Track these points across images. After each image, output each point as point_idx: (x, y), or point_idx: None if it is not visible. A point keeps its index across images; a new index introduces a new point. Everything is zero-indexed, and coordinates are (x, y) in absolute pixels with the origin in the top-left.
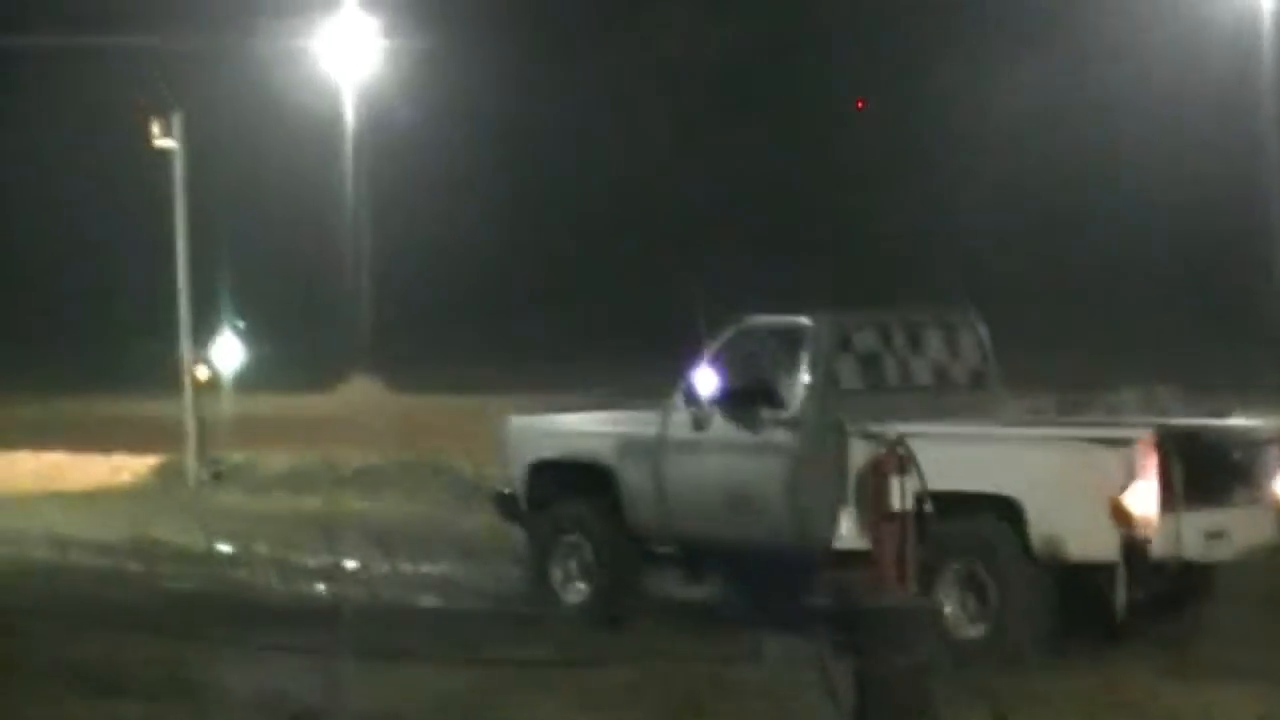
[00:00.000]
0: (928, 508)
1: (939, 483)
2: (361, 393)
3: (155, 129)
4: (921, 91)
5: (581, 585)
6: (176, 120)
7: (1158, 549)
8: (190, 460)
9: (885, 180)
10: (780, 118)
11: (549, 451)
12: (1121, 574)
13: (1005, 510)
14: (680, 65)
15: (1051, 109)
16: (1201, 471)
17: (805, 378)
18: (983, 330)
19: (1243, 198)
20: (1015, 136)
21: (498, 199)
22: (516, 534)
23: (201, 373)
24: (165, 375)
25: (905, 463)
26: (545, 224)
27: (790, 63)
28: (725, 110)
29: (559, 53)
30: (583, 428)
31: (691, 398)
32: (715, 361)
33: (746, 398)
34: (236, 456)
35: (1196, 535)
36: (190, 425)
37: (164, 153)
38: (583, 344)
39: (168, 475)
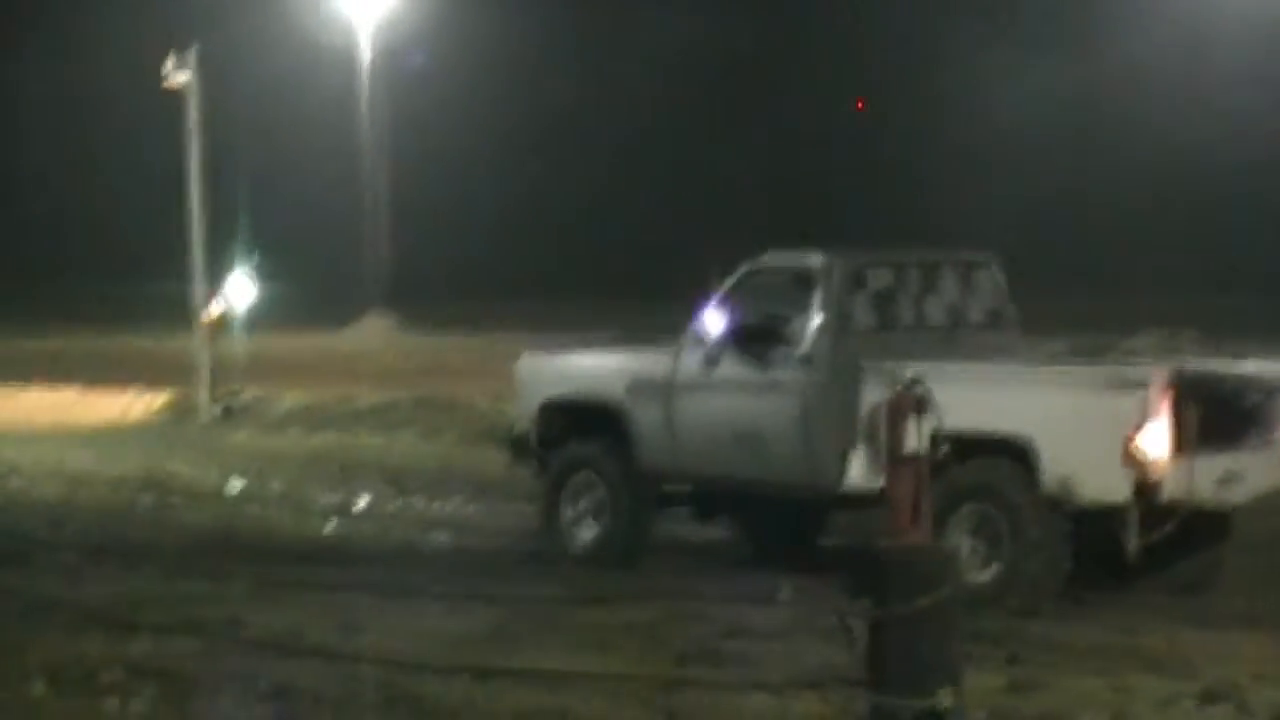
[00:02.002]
0: (944, 450)
1: (952, 423)
2: (376, 331)
3: (169, 65)
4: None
5: (593, 525)
6: (191, 56)
7: (1169, 491)
8: (202, 397)
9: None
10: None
11: (560, 390)
12: (1133, 516)
13: (1018, 451)
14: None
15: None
16: (1215, 415)
17: (818, 316)
18: (1000, 271)
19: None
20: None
21: (515, 141)
22: (529, 473)
23: (214, 309)
24: (178, 312)
25: (922, 403)
26: (560, 169)
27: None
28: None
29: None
30: (594, 367)
31: (702, 336)
32: (727, 300)
33: (758, 336)
34: (249, 393)
35: (1209, 478)
36: (202, 361)
37: (179, 89)
38: (600, 284)
39: (179, 412)
